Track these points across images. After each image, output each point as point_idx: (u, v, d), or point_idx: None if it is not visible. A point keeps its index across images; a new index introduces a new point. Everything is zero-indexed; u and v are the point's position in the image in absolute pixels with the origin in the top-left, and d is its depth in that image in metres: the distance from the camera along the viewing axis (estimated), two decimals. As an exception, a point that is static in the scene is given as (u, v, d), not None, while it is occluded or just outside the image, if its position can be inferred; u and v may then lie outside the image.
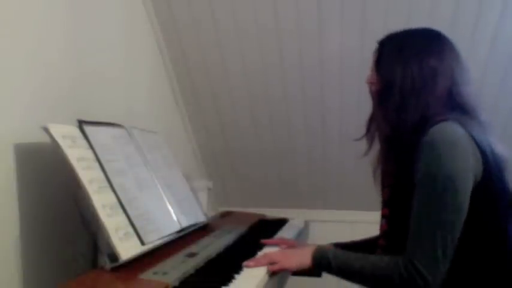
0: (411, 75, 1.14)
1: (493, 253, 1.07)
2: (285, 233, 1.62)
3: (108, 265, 1.06)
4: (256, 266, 1.16)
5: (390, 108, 1.16)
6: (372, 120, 1.25)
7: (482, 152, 1.05)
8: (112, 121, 1.34)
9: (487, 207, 1.06)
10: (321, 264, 1.18)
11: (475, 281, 1.07)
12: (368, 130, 1.26)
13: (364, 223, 1.47)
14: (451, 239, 1.01)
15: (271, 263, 1.18)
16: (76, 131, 1.17)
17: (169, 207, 1.37)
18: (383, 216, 1.25)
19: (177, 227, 1.35)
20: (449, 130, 1.06)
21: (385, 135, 1.19)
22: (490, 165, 1.05)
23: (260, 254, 1.27)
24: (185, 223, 1.41)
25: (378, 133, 1.23)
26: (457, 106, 1.13)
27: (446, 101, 1.13)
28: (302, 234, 1.73)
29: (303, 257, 1.20)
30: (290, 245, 1.43)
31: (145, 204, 1.26)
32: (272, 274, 1.16)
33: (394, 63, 1.18)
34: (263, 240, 1.42)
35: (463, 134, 1.06)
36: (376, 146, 1.25)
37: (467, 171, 1.03)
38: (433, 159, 1.03)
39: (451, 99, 1.13)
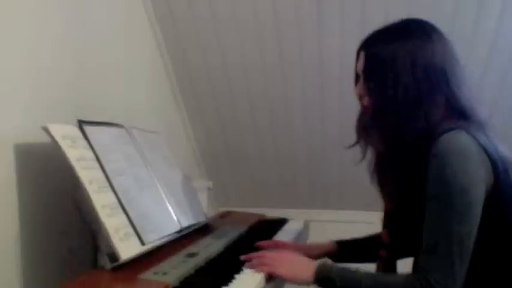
0: (405, 87, 1.06)
1: (506, 259, 1.04)
2: (285, 233, 1.62)
3: (108, 265, 1.06)
4: (250, 264, 1.11)
5: (385, 128, 1.10)
6: (362, 128, 1.18)
7: (492, 160, 1.01)
8: (112, 121, 1.34)
9: (499, 213, 1.02)
10: (324, 281, 1.08)
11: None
12: (359, 137, 1.19)
13: (364, 223, 1.47)
14: (467, 252, 0.98)
15: (268, 265, 1.11)
16: (76, 131, 1.17)
17: (169, 207, 1.37)
18: (384, 226, 1.22)
19: (177, 227, 1.35)
20: (458, 140, 1.00)
21: (381, 154, 1.15)
22: (499, 171, 1.02)
23: (261, 253, 1.23)
24: (185, 223, 1.40)
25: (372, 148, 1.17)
26: (455, 108, 1.07)
27: (445, 103, 1.07)
28: (302, 234, 1.73)
29: (304, 270, 1.10)
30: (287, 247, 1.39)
31: (145, 204, 1.26)
32: (269, 278, 1.10)
33: (382, 74, 1.09)
34: (258, 243, 1.37)
35: (472, 143, 1.01)
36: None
37: (479, 182, 0.99)
38: (445, 173, 0.98)
39: (448, 100, 1.07)
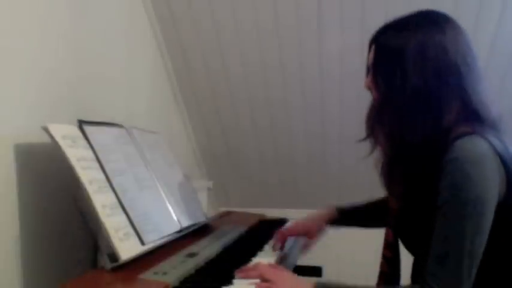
0: (412, 82, 1.01)
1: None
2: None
3: (108, 265, 1.06)
4: (246, 277, 1.06)
5: (390, 125, 1.06)
6: (372, 122, 1.13)
7: (506, 167, 0.98)
8: (112, 121, 1.34)
9: (508, 223, 0.99)
10: None
11: None
12: (370, 132, 1.14)
13: (364, 223, 1.47)
14: (475, 264, 0.94)
15: (262, 279, 1.05)
16: (76, 131, 1.17)
17: (169, 207, 1.37)
18: (389, 225, 1.19)
19: (177, 227, 1.35)
20: (474, 147, 0.96)
21: (387, 152, 1.11)
22: None
23: (256, 260, 1.19)
24: (185, 223, 1.40)
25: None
26: (469, 108, 1.02)
27: (459, 103, 1.02)
28: (302, 234, 1.73)
29: (301, 286, 1.05)
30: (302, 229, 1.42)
31: (145, 204, 1.26)
32: None
33: (390, 68, 1.04)
34: (279, 233, 1.39)
35: (488, 149, 0.96)
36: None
37: (494, 191, 0.95)
38: (460, 180, 0.94)
39: (462, 99, 1.02)
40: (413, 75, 1.01)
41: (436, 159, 0.99)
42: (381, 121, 1.09)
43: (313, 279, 1.06)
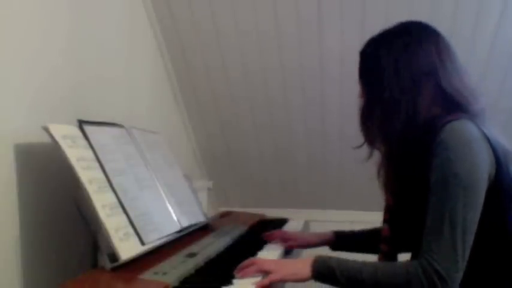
0: (388, 86, 1.11)
1: (506, 251, 1.04)
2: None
3: (108, 265, 1.07)
4: (245, 276, 1.06)
5: (374, 125, 1.16)
6: (364, 126, 1.21)
7: (494, 150, 1.03)
8: (112, 121, 1.34)
9: (499, 204, 1.03)
10: (323, 275, 1.06)
11: (489, 281, 1.05)
12: (366, 136, 1.21)
13: (364, 223, 1.47)
14: (469, 239, 0.98)
15: (262, 273, 1.07)
16: (76, 131, 1.17)
17: (169, 207, 1.37)
18: (385, 221, 1.23)
19: (177, 227, 1.35)
20: (463, 128, 1.02)
21: (382, 152, 1.18)
22: (501, 162, 1.03)
23: (252, 259, 1.14)
24: (185, 223, 1.41)
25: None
26: (449, 102, 1.09)
27: (440, 99, 1.09)
28: (302, 234, 1.73)
29: (300, 268, 1.07)
30: (291, 238, 1.44)
31: (145, 204, 1.26)
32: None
33: (370, 76, 1.17)
34: (265, 234, 1.44)
35: (477, 131, 1.03)
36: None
37: (484, 171, 1.00)
38: (451, 160, 0.99)
39: (442, 95, 1.09)
40: (388, 79, 1.11)
41: (426, 148, 1.04)
42: (370, 123, 1.18)
43: (310, 257, 1.09)
